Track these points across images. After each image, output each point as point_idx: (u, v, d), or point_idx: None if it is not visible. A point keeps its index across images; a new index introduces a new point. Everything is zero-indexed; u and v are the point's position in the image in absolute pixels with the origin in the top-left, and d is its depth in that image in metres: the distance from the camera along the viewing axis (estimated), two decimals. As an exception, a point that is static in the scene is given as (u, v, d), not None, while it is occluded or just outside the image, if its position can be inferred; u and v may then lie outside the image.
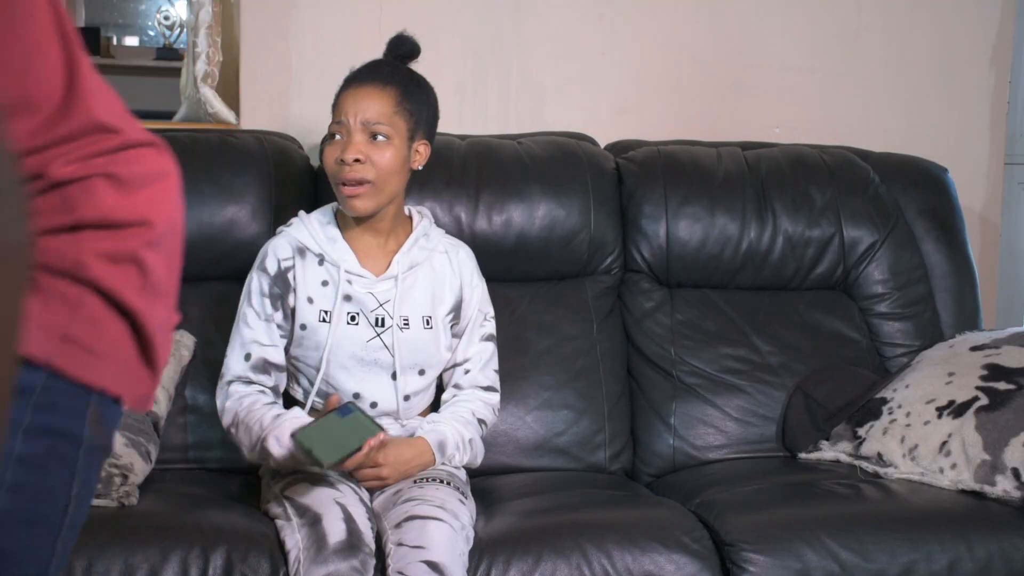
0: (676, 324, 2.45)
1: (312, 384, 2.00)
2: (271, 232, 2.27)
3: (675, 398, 2.39)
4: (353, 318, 1.98)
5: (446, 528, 1.75)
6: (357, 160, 1.92)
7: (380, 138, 1.94)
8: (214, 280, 2.32)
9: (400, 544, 1.72)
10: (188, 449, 2.18)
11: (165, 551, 1.69)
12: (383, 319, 1.98)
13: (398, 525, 1.76)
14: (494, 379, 2.12)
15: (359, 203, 1.94)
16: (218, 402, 2.00)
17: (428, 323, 2.02)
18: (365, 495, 1.86)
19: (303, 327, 1.99)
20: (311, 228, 2.02)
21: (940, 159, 2.77)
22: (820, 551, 1.84)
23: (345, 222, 2.03)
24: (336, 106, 1.99)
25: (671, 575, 1.79)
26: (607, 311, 2.45)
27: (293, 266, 2.00)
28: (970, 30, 3.01)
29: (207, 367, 2.20)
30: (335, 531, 1.69)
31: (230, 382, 1.99)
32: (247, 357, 1.98)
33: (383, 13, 2.74)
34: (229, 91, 2.93)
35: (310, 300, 1.98)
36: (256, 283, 2.01)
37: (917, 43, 2.99)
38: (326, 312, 1.97)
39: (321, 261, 2.00)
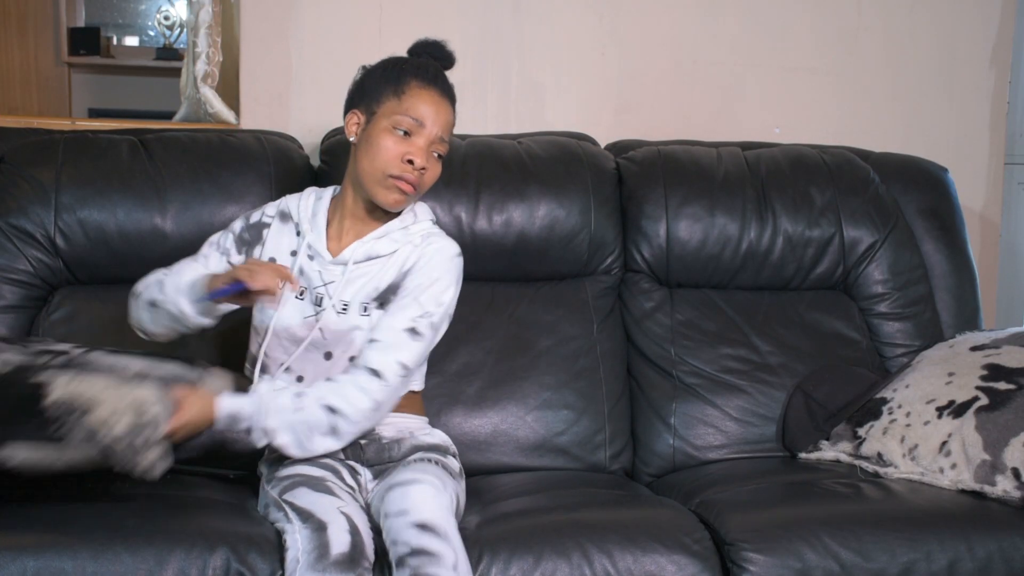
0: (676, 324, 2.45)
1: (257, 351, 2.01)
2: (271, 232, 2.28)
3: (675, 398, 2.39)
4: (301, 292, 1.99)
5: (428, 488, 1.74)
6: (423, 168, 1.95)
7: (441, 155, 1.98)
8: (214, 280, 2.32)
9: (387, 516, 1.72)
10: (187, 449, 2.18)
11: (164, 552, 1.69)
12: (321, 299, 1.98)
13: (383, 499, 1.76)
14: (392, 369, 1.89)
15: (405, 202, 1.98)
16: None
17: (365, 310, 1.98)
18: (362, 500, 1.85)
19: None
20: (304, 200, 2.06)
21: (940, 159, 2.77)
22: (820, 551, 1.84)
23: (337, 204, 2.04)
24: (411, 99, 1.94)
25: (672, 575, 1.79)
26: (607, 311, 2.45)
27: (270, 225, 2.04)
28: (970, 30, 3.01)
29: (207, 367, 2.20)
30: (339, 542, 1.67)
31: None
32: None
33: (383, 13, 2.74)
34: (229, 91, 2.93)
35: (273, 261, 2.01)
36: (232, 224, 2.09)
37: (917, 43, 2.99)
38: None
39: (298, 231, 2.03)
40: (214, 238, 2.08)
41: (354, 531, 1.69)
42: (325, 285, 1.98)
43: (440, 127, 1.95)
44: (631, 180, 2.52)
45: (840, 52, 2.96)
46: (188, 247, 2.29)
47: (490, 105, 2.81)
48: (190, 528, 1.74)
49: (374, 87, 1.99)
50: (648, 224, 2.48)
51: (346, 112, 2.03)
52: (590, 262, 2.46)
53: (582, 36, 2.85)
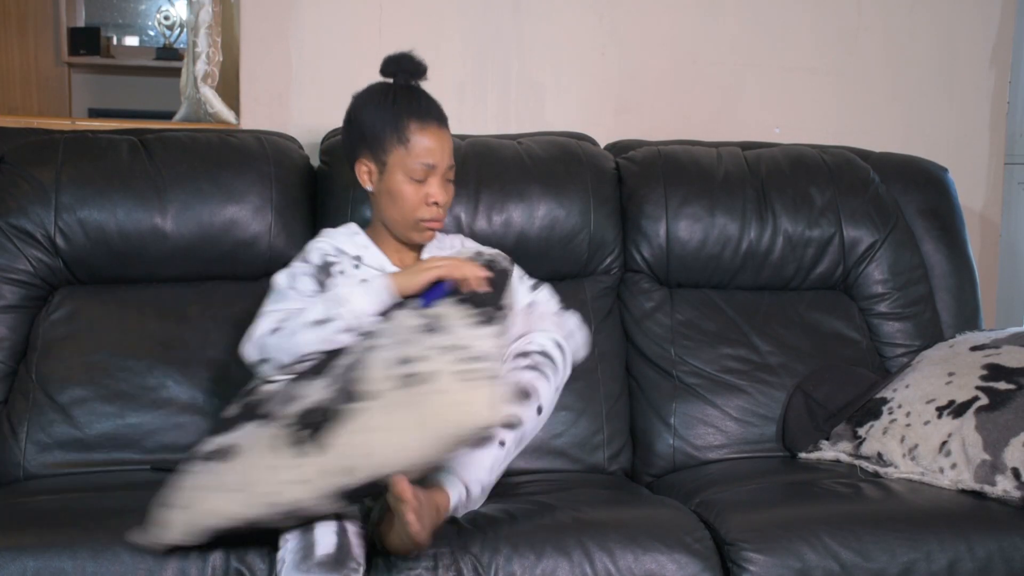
0: (676, 324, 2.45)
1: None
2: (271, 232, 2.28)
3: (675, 398, 2.39)
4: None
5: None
6: (446, 201, 2.06)
7: (451, 181, 2.08)
8: (214, 280, 2.32)
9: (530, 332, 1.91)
10: (188, 449, 2.18)
11: (164, 551, 1.69)
12: None
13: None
14: (561, 308, 2.14)
15: (432, 235, 2.09)
16: (246, 346, 1.91)
17: None
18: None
19: None
20: (346, 238, 2.10)
21: (940, 159, 2.77)
22: (820, 550, 1.84)
23: (375, 240, 2.10)
24: (417, 145, 2.00)
25: (673, 574, 1.79)
26: (607, 311, 2.45)
27: (339, 262, 2.04)
28: (970, 30, 3.01)
29: (207, 368, 2.19)
30: (325, 543, 1.67)
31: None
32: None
33: (383, 13, 2.74)
34: (229, 91, 2.93)
35: None
36: (298, 268, 2.01)
37: (917, 43, 2.99)
38: None
39: (357, 265, 2.05)
40: (283, 284, 1.98)
41: (341, 532, 1.69)
42: None
43: (448, 157, 2.05)
44: (631, 180, 2.52)
45: (840, 52, 2.96)
46: (188, 247, 2.29)
47: (490, 105, 2.82)
48: (190, 528, 1.74)
49: (376, 135, 2.02)
50: (648, 224, 2.48)
51: (351, 158, 2.08)
52: (590, 262, 2.46)
53: (582, 36, 2.85)
